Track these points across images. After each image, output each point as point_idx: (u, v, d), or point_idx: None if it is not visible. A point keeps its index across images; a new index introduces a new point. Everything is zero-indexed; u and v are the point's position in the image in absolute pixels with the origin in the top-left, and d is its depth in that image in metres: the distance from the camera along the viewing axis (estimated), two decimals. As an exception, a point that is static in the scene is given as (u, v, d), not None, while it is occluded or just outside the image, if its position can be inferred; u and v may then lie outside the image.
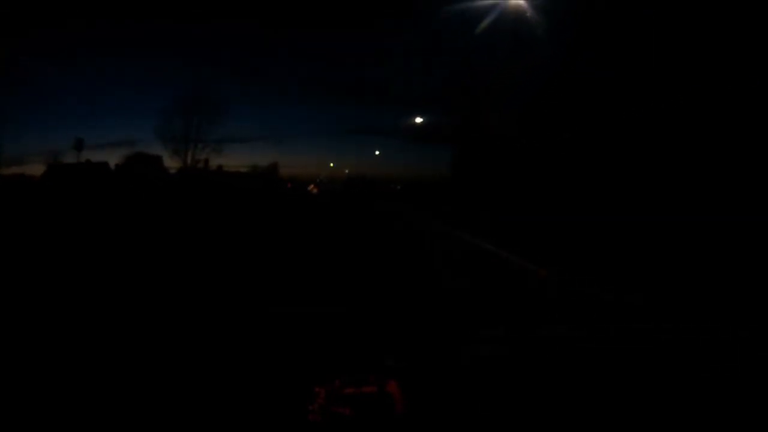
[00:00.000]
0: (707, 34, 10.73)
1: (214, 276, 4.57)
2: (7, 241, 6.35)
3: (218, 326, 2.42)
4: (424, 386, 1.05)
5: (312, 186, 43.21)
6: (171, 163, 28.87)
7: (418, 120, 23.50)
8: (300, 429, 0.95)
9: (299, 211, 14.79)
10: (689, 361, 1.20)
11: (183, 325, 2.49)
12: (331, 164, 51.39)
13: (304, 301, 3.67)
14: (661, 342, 1.36)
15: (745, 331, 1.47)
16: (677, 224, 9.62)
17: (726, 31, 10.40)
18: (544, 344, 1.40)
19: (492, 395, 1.03)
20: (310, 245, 7.12)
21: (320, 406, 0.96)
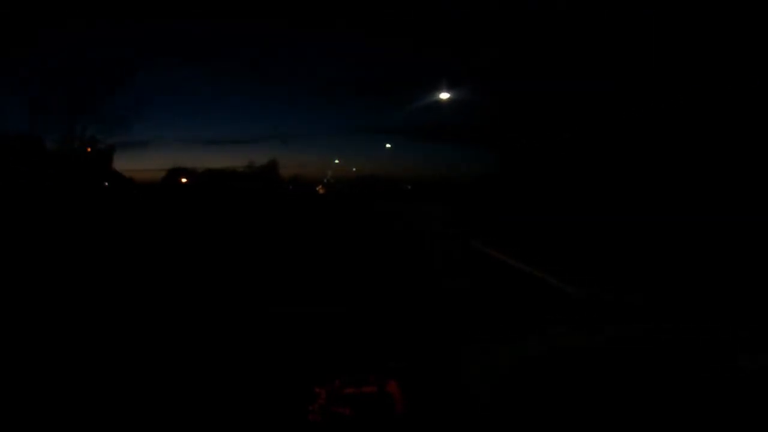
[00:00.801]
0: (707, 35, 10.73)
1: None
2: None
3: (217, 326, 2.42)
4: (424, 386, 1.05)
5: (320, 187, 43.24)
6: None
7: (443, 96, 19.18)
8: (300, 429, 0.95)
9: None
10: (689, 361, 1.20)
11: (180, 326, 2.49)
12: (336, 161, 50.79)
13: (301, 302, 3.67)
14: (661, 342, 1.36)
15: (745, 331, 1.47)
16: (677, 224, 9.64)
17: (726, 32, 10.40)
18: (544, 345, 1.40)
19: (492, 395, 1.03)
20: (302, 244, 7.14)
21: (320, 406, 0.96)
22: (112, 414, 1.07)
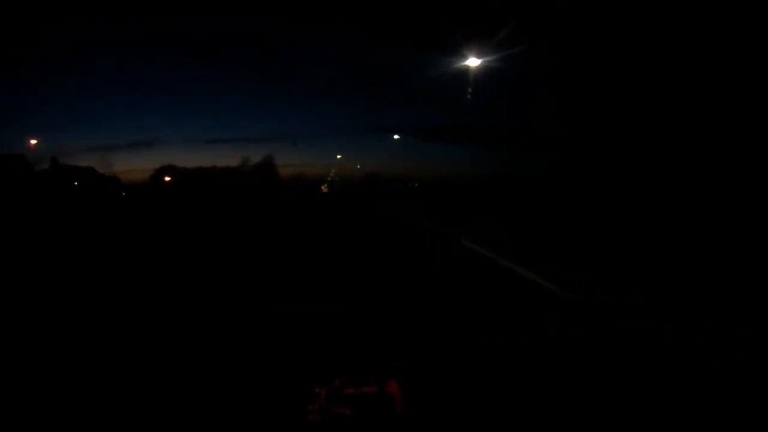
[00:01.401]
0: (707, 36, 10.73)
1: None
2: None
3: (218, 327, 2.42)
4: (424, 386, 1.05)
5: (324, 185, 43.20)
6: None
7: (473, 62, 15.36)
8: (300, 429, 0.95)
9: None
10: (689, 361, 1.20)
11: (183, 326, 2.49)
12: (339, 156, 50.50)
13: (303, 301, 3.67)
14: (661, 342, 1.36)
15: (745, 331, 1.47)
16: (677, 224, 9.65)
17: (725, 33, 10.40)
18: (544, 344, 1.40)
19: (493, 395, 1.03)
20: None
21: (320, 406, 0.96)
22: (113, 414, 1.07)
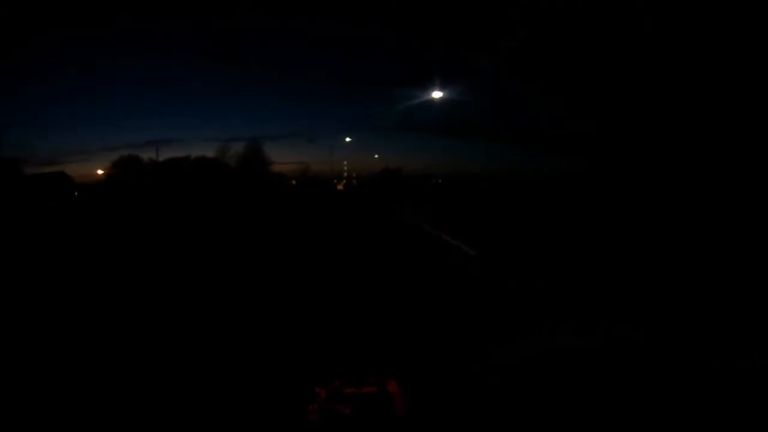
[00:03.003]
0: (707, 37, 10.73)
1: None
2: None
3: (219, 328, 2.42)
4: (424, 386, 1.05)
5: (341, 183, 42.81)
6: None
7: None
8: (300, 429, 0.95)
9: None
10: (689, 361, 1.20)
11: (184, 327, 2.49)
12: (347, 139, 48.45)
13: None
14: (661, 342, 1.36)
15: (744, 331, 1.47)
16: (676, 224, 9.65)
17: (725, 35, 10.40)
18: (544, 345, 1.40)
19: (492, 395, 1.03)
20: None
21: (320, 406, 0.96)
22: (114, 414, 1.07)
